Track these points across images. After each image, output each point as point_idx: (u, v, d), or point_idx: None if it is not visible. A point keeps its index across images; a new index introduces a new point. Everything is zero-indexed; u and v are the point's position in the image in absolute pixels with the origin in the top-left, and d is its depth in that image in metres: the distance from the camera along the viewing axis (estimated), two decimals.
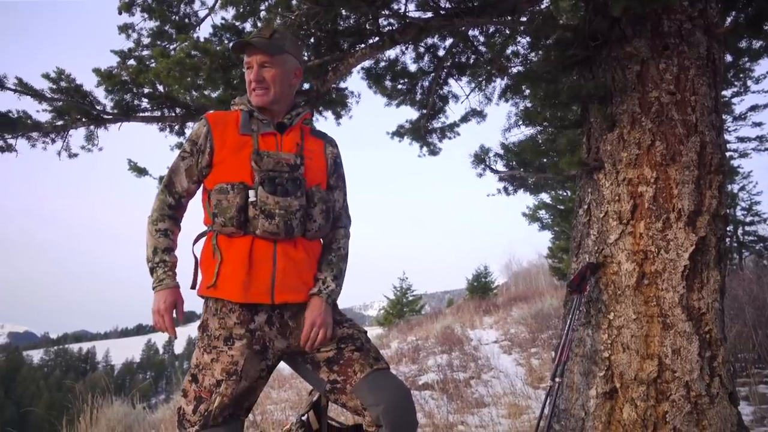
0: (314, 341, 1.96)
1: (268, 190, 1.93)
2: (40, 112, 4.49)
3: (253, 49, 2.05)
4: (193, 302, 2.12)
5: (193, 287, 2.06)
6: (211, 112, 2.16)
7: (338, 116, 5.30)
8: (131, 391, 6.76)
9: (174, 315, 1.98)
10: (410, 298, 22.02)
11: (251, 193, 1.94)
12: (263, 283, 1.93)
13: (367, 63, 5.02)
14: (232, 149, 2.01)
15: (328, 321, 1.99)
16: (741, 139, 11.16)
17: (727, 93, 8.61)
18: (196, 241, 2.09)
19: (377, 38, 4.17)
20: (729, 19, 3.69)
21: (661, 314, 2.93)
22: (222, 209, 1.93)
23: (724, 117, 3.62)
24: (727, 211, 3.15)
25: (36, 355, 67.28)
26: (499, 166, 3.90)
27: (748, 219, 13.57)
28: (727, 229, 3.19)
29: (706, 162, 3.02)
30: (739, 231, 13.45)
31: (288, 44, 2.09)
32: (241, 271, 1.92)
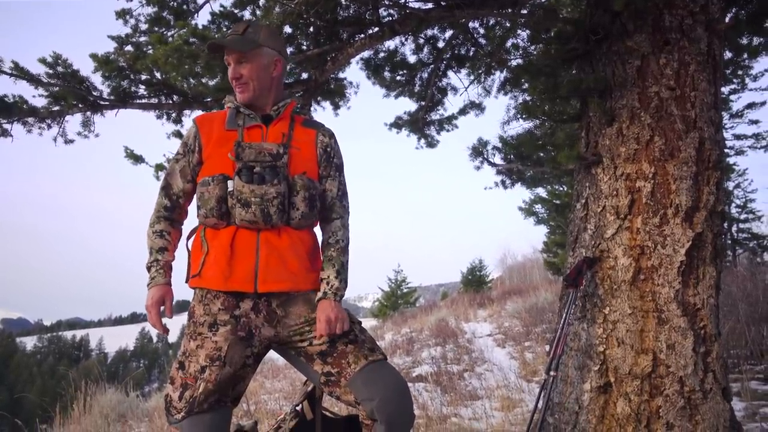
0: (334, 334, 1.98)
1: (244, 180, 1.96)
2: (37, 97, 4.45)
3: (226, 47, 2.09)
4: (187, 293, 2.14)
5: (187, 281, 2.08)
6: (200, 114, 2.23)
7: (336, 106, 5.27)
8: (124, 379, 6.76)
9: (163, 311, 2.03)
10: (405, 291, 22.11)
11: (230, 183, 1.97)
12: (245, 272, 1.95)
13: (366, 53, 5.00)
14: (217, 144, 2.06)
15: (342, 315, 2.00)
16: (737, 137, 11.20)
17: (724, 90, 8.61)
18: (189, 236, 2.13)
19: (377, 28, 4.13)
20: (730, 15, 3.68)
21: (656, 309, 2.94)
22: (204, 201, 1.99)
23: (721, 114, 3.61)
24: (725, 207, 3.15)
25: (29, 342, 67.10)
26: (497, 159, 3.88)
27: (743, 216, 13.63)
28: (724, 225, 3.19)
29: (705, 158, 3.02)
30: (734, 228, 13.51)
31: (262, 37, 2.10)
32: (223, 260, 1.96)
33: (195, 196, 2.06)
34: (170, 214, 2.13)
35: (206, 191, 1.98)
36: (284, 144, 2.06)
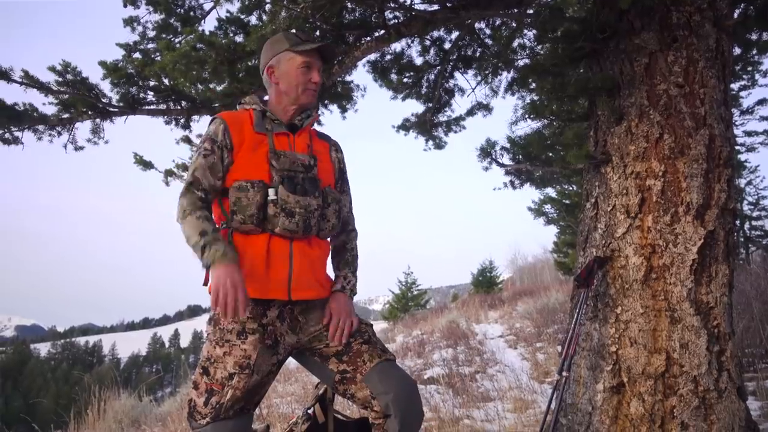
0: (342, 332, 2.02)
1: (288, 189, 1.96)
2: (46, 105, 4.50)
3: (318, 54, 2.14)
4: (199, 297, 2.11)
5: (205, 284, 2.02)
6: (224, 112, 2.15)
7: (344, 110, 5.29)
8: (138, 385, 6.79)
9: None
10: (415, 293, 22.10)
11: (271, 191, 1.96)
12: (280, 280, 1.96)
13: (372, 56, 5.00)
14: (249, 147, 2.02)
15: (352, 314, 2.07)
16: (748, 133, 11.11)
17: (734, 86, 8.53)
18: None
19: (383, 31, 4.14)
20: (738, 11, 3.65)
21: (669, 308, 2.91)
22: (242, 207, 1.94)
23: (731, 110, 3.58)
24: (736, 204, 3.12)
25: (43, 348, 67.64)
26: (506, 159, 3.86)
27: (755, 214, 13.53)
28: (735, 223, 3.17)
29: (715, 155, 2.99)
30: (746, 226, 13.40)
31: None
32: (260, 268, 1.94)
33: (227, 201, 1.97)
34: (205, 205, 1.99)
35: (245, 197, 1.93)
36: (313, 156, 2.10)
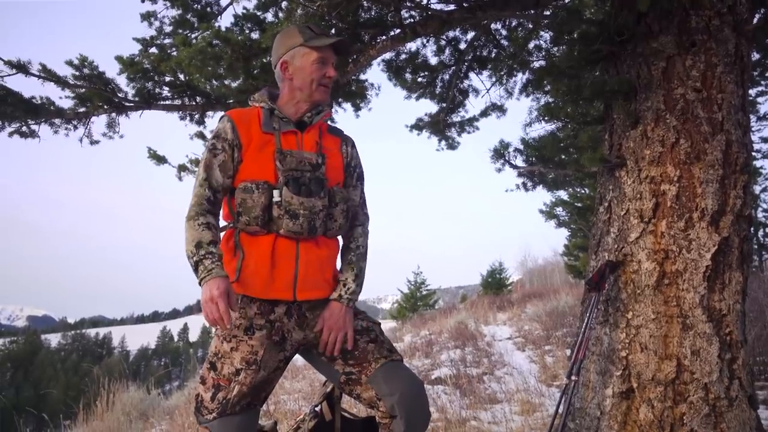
0: (332, 346, 1.99)
1: (292, 191, 1.94)
2: (63, 99, 4.55)
3: (332, 48, 2.10)
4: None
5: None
6: (232, 110, 2.14)
7: (357, 108, 5.29)
8: (147, 378, 6.84)
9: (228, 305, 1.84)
10: (424, 293, 22.08)
11: (275, 192, 1.95)
12: (285, 281, 1.95)
13: (387, 55, 5.00)
14: (257, 147, 2.01)
15: (346, 326, 2.01)
16: (765, 140, 10.97)
17: (752, 92, 8.42)
18: None
19: (398, 30, 4.14)
20: (758, 16, 3.61)
21: (680, 315, 2.89)
22: (247, 208, 1.94)
23: (749, 116, 3.54)
24: (752, 211, 3.09)
25: (54, 339, 68.23)
26: (519, 161, 3.85)
27: None
28: (750, 230, 3.13)
29: (732, 161, 2.96)
30: (760, 233, 13.24)
31: None
32: (264, 269, 1.94)
33: (234, 200, 1.98)
34: (212, 208, 2.01)
35: (250, 198, 1.93)
36: (321, 154, 2.06)
